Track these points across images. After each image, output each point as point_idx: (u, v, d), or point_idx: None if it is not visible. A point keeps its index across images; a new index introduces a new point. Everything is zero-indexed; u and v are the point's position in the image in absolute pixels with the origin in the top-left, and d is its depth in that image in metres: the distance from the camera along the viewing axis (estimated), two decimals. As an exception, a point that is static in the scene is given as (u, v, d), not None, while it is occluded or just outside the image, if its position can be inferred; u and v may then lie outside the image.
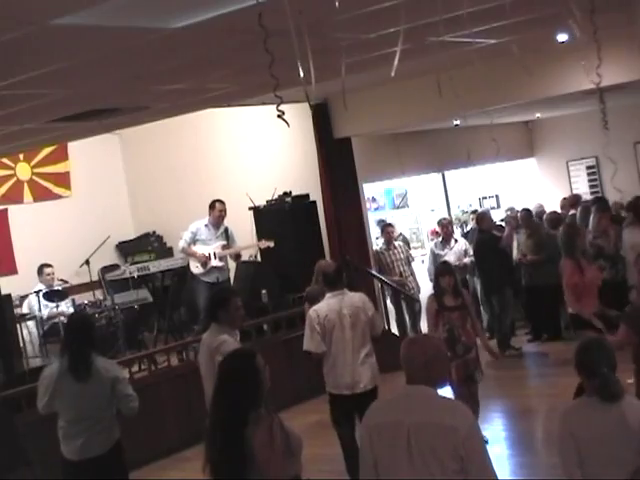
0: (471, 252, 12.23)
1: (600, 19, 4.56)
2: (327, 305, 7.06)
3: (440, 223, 13.01)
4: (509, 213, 14.17)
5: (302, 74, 4.06)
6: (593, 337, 4.31)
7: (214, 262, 10.65)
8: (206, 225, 10.81)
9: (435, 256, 12.47)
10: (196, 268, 10.71)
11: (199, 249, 10.68)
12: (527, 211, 12.53)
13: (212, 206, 10.78)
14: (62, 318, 10.03)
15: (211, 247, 10.68)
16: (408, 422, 3.77)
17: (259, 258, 11.85)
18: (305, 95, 4.07)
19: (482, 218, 12.31)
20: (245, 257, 11.77)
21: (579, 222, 12.48)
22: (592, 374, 4.13)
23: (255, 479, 3.85)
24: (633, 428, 4.03)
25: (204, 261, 10.62)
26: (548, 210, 13.83)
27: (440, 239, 12.77)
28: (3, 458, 4.87)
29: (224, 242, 10.74)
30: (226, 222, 10.99)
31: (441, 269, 8.29)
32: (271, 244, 10.95)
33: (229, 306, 6.13)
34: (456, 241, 12.57)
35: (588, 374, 4.16)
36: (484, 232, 11.97)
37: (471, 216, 15.17)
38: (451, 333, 7.71)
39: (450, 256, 12.15)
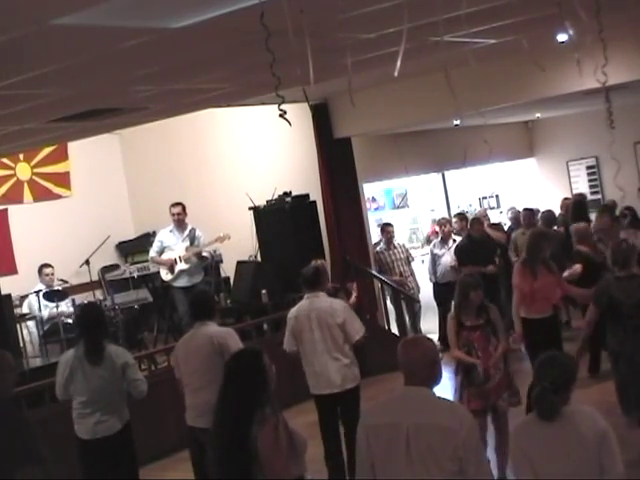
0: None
1: (604, 19, 4.55)
2: (299, 307, 7.22)
3: (438, 223, 13.00)
4: (510, 215, 14.17)
5: (299, 74, 4.06)
6: (553, 353, 4.15)
7: (180, 265, 10.71)
8: (171, 231, 10.90)
9: (434, 256, 12.48)
10: (166, 275, 10.81)
11: (166, 255, 10.75)
12: (530, 211, 12.54)
13: (170, 211, 10.83)
14: (62, 318, 10.04)
15: (176, 252, 10.73)
16: (407, 423, 3.77)
17: (259, 258, 11.84)
18: (304, 95, 4.08)
19: (473, 223, 12.04)
20: (245, 257, 11.77)
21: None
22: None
23: (259, 479, 3.85)
24: (587, 438, 3.80)
25: (170, 266, 10.67)
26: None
27: (439, 239, 12.77)
28: (13, 456, 4.87)
29: (187, 244, 10.76)
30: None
31: (471, 282, 6.84)
32: (229, 238, 10.87)
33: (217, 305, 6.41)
34: (454, 241, 12.56)
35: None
36: (470, 237, 11.78)
37: (454, 219, 13.78)
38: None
39: (448, 256, 12.16)
